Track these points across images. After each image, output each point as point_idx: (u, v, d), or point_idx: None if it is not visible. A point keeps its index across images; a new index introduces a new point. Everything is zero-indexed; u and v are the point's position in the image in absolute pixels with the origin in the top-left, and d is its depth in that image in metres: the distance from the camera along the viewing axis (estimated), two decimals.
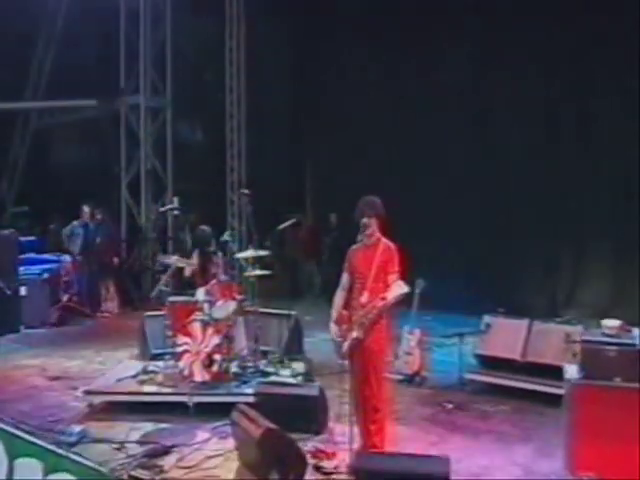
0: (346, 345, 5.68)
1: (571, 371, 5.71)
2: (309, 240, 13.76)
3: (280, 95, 14.28)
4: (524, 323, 7.81)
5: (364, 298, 5.76)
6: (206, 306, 7.62)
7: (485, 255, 11.35)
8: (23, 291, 11.65)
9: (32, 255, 12.81)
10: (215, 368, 7.49)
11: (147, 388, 7.58)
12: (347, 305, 5.78)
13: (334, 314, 5.78)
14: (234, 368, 7.81)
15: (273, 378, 7.69)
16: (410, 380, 8.35)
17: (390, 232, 5.99)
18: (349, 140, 12.92)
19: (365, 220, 5.77)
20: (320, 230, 13.54)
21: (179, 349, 7.58)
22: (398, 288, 5.61)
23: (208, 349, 7.46)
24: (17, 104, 14.99)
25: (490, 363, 8.03)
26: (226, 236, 8.57)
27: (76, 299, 12.46)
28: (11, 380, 8.47)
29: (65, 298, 12.25)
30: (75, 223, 13.19)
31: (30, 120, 16.25)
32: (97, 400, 7.56)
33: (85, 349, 10.34)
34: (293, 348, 8.67)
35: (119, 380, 7.78)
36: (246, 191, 7.54)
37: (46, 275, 12.19)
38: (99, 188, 14.15)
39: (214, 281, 7.77)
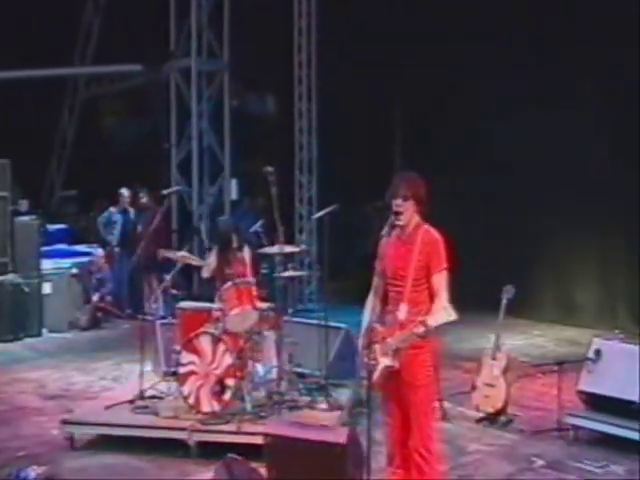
0: (377, 373, 4.76)
1: None
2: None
3: (361, 55, 13.29)
4: None
5: (402, 314, 4.76)
6: (216, 315, 6.92)
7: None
8: (47, 288, 11.29)
9: (62, 247, 12.31)
10: (227, 396, 6.66)
11: (141, 419, 6.73)
12: (382, 316, 4.89)
13: (363, 327, 4.88)
14: (256, 395, 6.99)
15: (304, 412, 6.84)
16: (491, 420, 7.24)
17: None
18: (445, 117, 12.46)
19: (398, 202, 4.77)
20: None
21: (183, 370, 6.80)
22: (444, 314, 4.69)
23: (219, 371, 6.69)
24: (64, 70, 14.66)
25: (600, 404, 6.70)
26: (257, 226, 7.40)
27: (110, 299, 11.87)
28: None
29: (96, 298, 11.58)
30: (112, 210, 12.68)
31: (78, 90, 16.22)
32: (79, 432, 6.66)
33: (106, 359, 9.89)
34: (341, 371, 7.62)
35: (109, 407, 6.94)
36: (270, 169, 6.83)
37: (75, 270, 11.72)
38: (148, 168, 13.72)
39: (229, 284, 6.92)
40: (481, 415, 7.30)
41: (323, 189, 13.27)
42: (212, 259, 7.65)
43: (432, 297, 4.75)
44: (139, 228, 12.34)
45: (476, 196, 12.06)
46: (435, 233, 4.85)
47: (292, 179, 13.48)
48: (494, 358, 7.36)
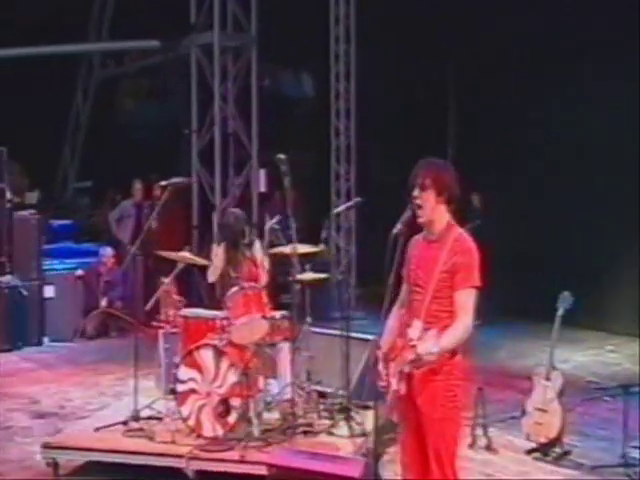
0: (388, 398, 4.58)
1: None
2: None
3: (407, 28, 13.16)
4: None
5: (414, 331, 4.50)
6: (220, 324, 6.82)
7: None
8: (49, 292, 11.26)
9: (68, 245, 12.30)
10: (232, 419, 6.55)
11: (133, 444, 6.56)
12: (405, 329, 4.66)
13: (382, 340, 4.70)
14: (268, 418, 6.86)
15: (320, 438, 6.70)
16: (544, 452, 6.96)
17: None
18: (501, 102, 12.48)
19: (415, 192, 4.57)
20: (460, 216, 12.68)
21: (181, 387, 6.72)
22: (457, 333, 4.43)
23: (223, 390, 6.58)
24: (76, 46, 14.76)
25: None
26: (273, 223, 7.53)
27: (120, 304, 11.74)
28: None
29: (104, 303, 11.47)
30: (125, 204, 12.57)
31: (93, 71, 16.26)
32: (62, 457, 6.52)
33: (110, 373, 9.80)
34: (368, 391, 7.27)
35: (99, 429, 6.84)
36: (282, 156, 6.67)
37: (81, 271, 11.65)
38: (167, 157, 13.72)
39: (235, 288, 6.84)
40: (532, 445, 7.01)
41: (363, 181, 13.14)
42: (219, 259, 7.49)
43: (451, 317, 4.49)
44: (154, 225, 12.29)
45: (537, 192, 11.90)
46: (469, 241, 4.60)
47: (328, 169, 13.43)
48: (548, 378, 7.04)
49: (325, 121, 13.43)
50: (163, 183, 7.20)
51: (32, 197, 14.40)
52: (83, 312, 11.57)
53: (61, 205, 15.15)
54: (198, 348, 6.65)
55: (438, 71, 13.80)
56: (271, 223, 7.56)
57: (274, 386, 6.97)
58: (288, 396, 6.88)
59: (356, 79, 13.22)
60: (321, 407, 7.16)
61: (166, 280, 7.12)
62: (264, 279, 7.36)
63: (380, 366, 4.56)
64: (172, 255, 7.35)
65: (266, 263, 7.40)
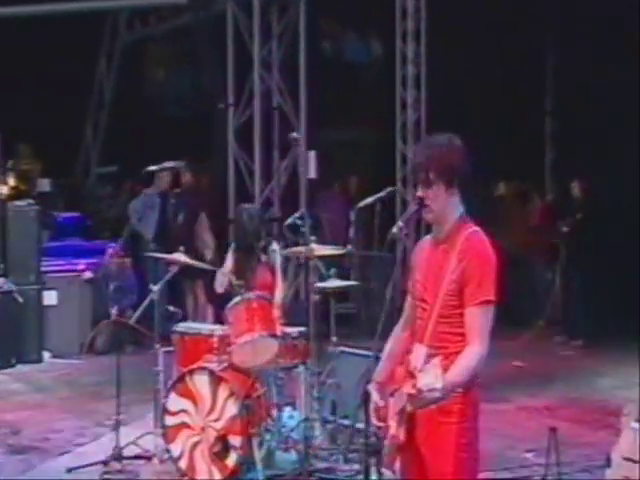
0: (386, 444, 4.42)
1: None
2: (543, 227, 13.44)
3: None
4: None
5: (417, 358, 4.21)
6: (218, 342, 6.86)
7: None
8: (51, 298, 11.35)
9: (76, 241, 12.28)
10: (232, 461, 6.56)
11: None
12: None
13: (379, 371, 4.57)
14: (280, 458, 6.87)
15: None
16: None
17: None
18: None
19: (419, 192, 4.37)
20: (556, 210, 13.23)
21: (172, 420, 6.75)
22: (466, 363, 4.20)
23: (221, 424, 6.58)
24: (96, 2, 14.83)
25: None
26: (295, 219, 7.46)
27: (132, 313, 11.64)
28: None
29: (114, 311, 11.35)
30: (147, 192, 12.52)
31: (118, 33, 16.49)
32: None
33: (114, 398, 9.48)
34: None
35: (71, 470, 6.95)
36: (295, 135, 6.40)
37: (89, 274, 11.68)
38: (201, 136, 13.85)
39: (236, 298, 6.85)
40: None
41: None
42: (228, 264, 7.54)
43: (463, 340, 4.26)
44: (180, 218, 12.26)
45: None
46: (482, 241, 4.31)
47: (393, 151, 13.33)
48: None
49: (390, 92, 13.34)
50: (153, 168, 7.14)
51: (44, 184, 14.48)
52: (92, 322, 11.58)
53: (79, 194, 15.15)
54: (191, 372, 6.67)
55: (533, 32, 13.70)
56: (294, 218, 7.37)
57: (286, 419, 6.92)
58: (312, 432, 6.97)
59: (427, 40, 13.11)
60: (348, 447, 6.98)
61: (155, 287, 7.00)
62: (282, 289, 7.36)
63: (375, 403, 4.38)
64: (163, 257, 7.59)
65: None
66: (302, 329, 6.97)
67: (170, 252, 11.55)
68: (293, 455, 6.78)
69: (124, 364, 11.15)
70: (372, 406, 4.39)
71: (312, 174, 13.09)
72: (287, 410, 6.91)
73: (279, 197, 13.03)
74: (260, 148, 12.92)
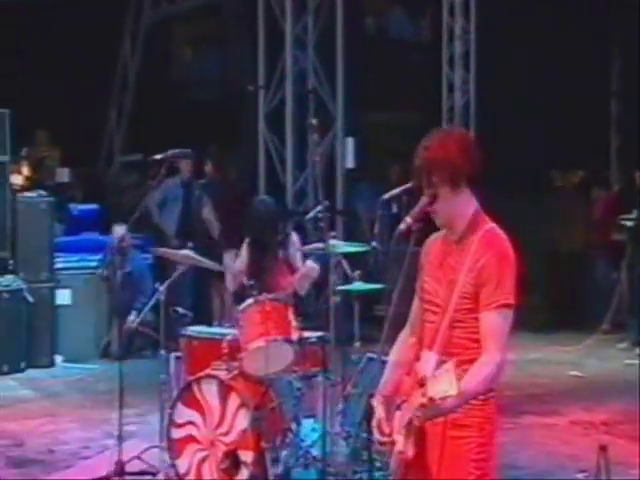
0: (393, 461, 4.40)
1: None
2: (606, 221, 13.33)
3: None
4: None
5: (426, 366, 4.26)
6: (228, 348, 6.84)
7: None
8: (65, 297, 11.41)
9: (93, 236, 12.39)
10: (242, 478, 6.58)
11: None
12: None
13: (384, 382, 4.58)
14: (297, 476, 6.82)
15: None
16: None
17: None
18: None
19: (423, 200, 4.35)
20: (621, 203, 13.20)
21: (177, 433, 6.78)
22: (483, 371, 4.19)
23: (230, 438, 6.63)
24: None
25: None
26: (316, 212, 7.54)
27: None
28: None
29: (132, 317, 11.33)
30: (169, 183, 12.47)
31: (143, 11, 16.63)
32: None
33: (129, 407, 9.46)
34: None
35: None
36: (314, 121, 7.17)
37: (105, 272, 11.67)
38: (228, 121, 14.14)
39: (249, 301, 6.83)
40: None
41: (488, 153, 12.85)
42: (241, 260, 7.58)
43: (478, 348, 4.24)
44: (205, 211, 12.27)
45: None
46: (501, 239, 4.32)
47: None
48: None
49: (437, 73, 13.44)
50: (158, 157, 7.18)
51: (63, 174, 14.57)
52: (108, 324, 11.65)
53: (100, 184, 15.25)
54: (199, 381, 6.71)
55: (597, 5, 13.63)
56: (315, 211, 7.39)
57: (306, 431, 6.90)
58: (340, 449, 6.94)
59: (477, 14, 13.17)
60: (377, 464, 6.80)
61: (160, 288, 7.07)
62: (303, 288, 7.43)
63: (379, 417, 4.37)
64: (170, 254, 7.52)
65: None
66: (322, 333, 6.96)
67: (195, 249, 11.77)
68: (313, 473, 6.77)
69: (141, 370, 11.33)
70: (375, 421, 4.39)
71: (350, 163, 13.30)
72: (307, 423, 6.88)
73: (313, 188, 13.04)
74: (293, 134, 13.01)
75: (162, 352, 7.29)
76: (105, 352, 11.53)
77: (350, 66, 13.11)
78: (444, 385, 3.99)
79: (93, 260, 11.85)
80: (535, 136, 13.26)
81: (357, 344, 7.02)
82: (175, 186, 12.52)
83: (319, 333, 6.97)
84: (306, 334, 6.89)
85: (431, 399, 4.01)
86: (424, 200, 4.33)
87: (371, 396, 4.46)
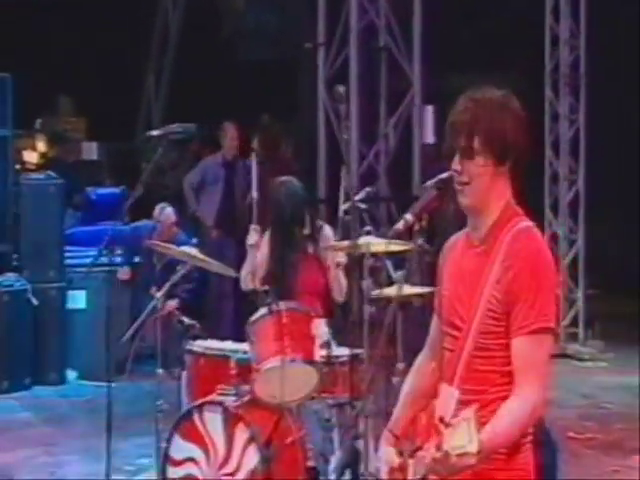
0: None
1: None
2: None
3: None
4: None
5: (444, 405, 4.20)
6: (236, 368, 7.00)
7: None
8: (78, 300, 11.58)
9: (116, 225, 12.27)
10: None
11: None
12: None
13: (395, 418, 4.63)
14: None
15: None
16: None
17: None
18: None
19: (456, 165, 4.16)
20: None
21: (176, 473, 6.86)
22: (513, 417, 4.07)
23: (239, 478, 6.74)
24: None
25: None
26: (357, 199, 7.46)
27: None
28: None
29: (174, 303, 11.41)
30: (209, 161, 12.71)
31: None
32: None
33: (144, 434, 9.45)
34: None
35: None
36: (341, 88, 6.80)
37: (127, 270, 11.87)
38: (284, 84, 14.40)
39: (262, 311, 6.89)
40: None
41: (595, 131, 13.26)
42: (262, 253, 7.64)
43: (510, 382, 4.14)
44: (252, 195, 12.20)
45: None
46: (538, 241, 4.21)
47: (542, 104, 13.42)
48: None
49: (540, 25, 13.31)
50: (155, 133, 7.26)
51: (90, 150, 14.67)
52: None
53: (133, 163, 15.35)
54: (201, 408, 6.77)
55: None
56: (354, 200, 7.29)
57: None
58: None
59: None
60: None
61: (157, 294, 7.12)
62: (339, 292, 7.41)
63: (388, 464, 4.36)
64: (169, 250, 7.62)
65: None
66: (357, 351, 6.85)
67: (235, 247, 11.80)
68: None
69: (167, 389, 11.36)
70: (384, 468, 4.37)
71: (429, 137, 13.35)
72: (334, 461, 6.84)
73: (385, 167, 13.14)
74: (359, 101, 13.09)
75: (158, 372, 7.32)
76: (122, 367, 11.51)
77: (429, 19, 13.18)
78: (462, 439, 3.90)
79: (113, 255, 11.86)
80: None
81: (400, 365, 6.99)
82: (216, 165, 12.65)
83: (354, 350, 6.85)
84: (337, 351, 6.86)
85: (447, 454, 3.91)
86: (430, 193, 4.27)
87: (355, 438, 4.34)
